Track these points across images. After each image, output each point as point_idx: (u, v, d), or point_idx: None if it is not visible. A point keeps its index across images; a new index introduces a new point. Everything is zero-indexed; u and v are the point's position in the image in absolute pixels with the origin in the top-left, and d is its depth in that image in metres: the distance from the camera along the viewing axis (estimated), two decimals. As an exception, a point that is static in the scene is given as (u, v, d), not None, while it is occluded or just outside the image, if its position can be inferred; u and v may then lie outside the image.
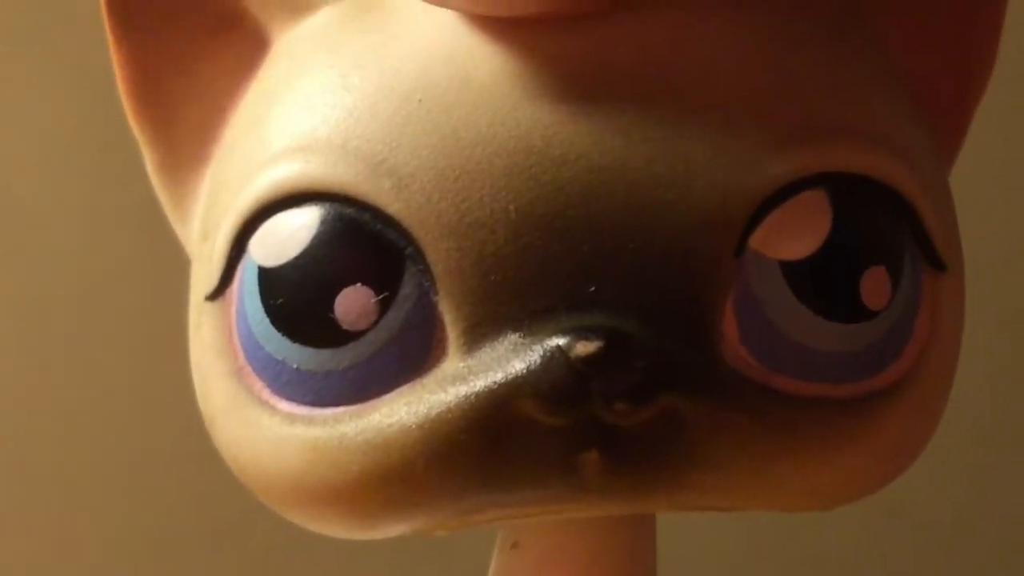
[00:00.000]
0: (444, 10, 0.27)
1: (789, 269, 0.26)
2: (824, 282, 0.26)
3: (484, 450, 0.25)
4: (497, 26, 0.27)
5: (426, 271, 0.26)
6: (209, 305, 0.28)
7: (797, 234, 0.26)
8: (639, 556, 0.31)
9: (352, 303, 0.26)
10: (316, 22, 0.29)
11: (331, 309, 0.26)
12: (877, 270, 0.27)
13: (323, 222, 0.26)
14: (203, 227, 0.29)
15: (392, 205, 0.26)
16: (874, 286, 0.27)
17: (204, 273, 0.28)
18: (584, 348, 0.25)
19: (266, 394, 0.27)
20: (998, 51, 0.30)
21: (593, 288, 0.26)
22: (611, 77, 0.26)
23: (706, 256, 0.26)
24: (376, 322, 0.26)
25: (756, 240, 0.26)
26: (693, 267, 0.26)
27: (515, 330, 0.26)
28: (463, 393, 0.25)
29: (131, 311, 0.53)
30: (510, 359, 0.25)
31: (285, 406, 0.27)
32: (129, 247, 0.53)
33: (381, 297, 0.26)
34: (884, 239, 0.27)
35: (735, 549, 0.54)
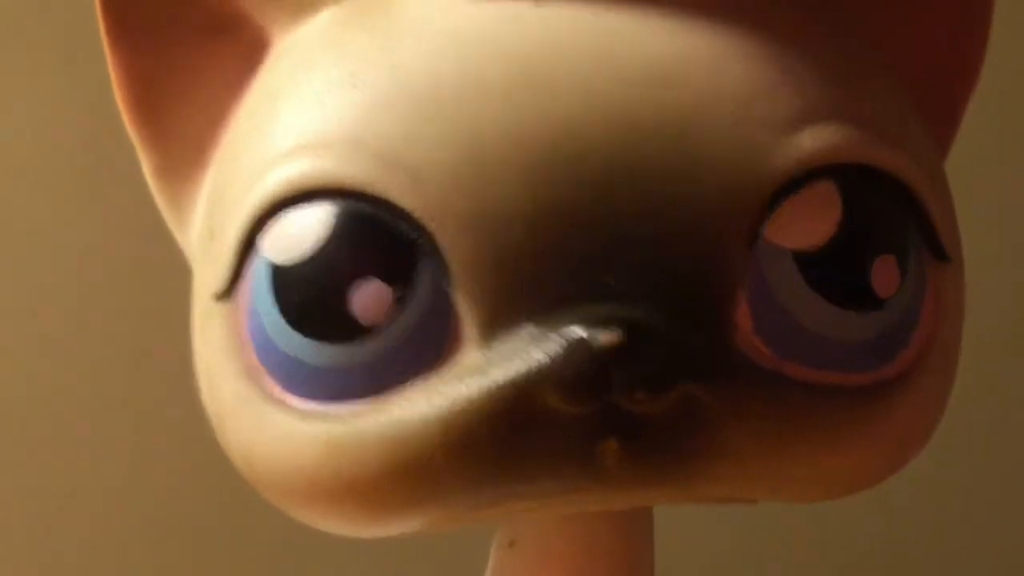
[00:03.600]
0: (449, 9, 0.27)
1: (802, 258, 0.27)
2: (836, 271, 0.27)
3: (504, 441, 0.26)
4: (506, 22, 0.27)
5: (441, 264, 0.26)
6: (218, 305, 0.28)
7: (809, 224, 0.27)
8: (637, 552, 0.31)
9: (369, 298, 0.26)
10: (318, 22, 0.29)
11: (346, 304, 0.26)
12: (887, 259, 0.27)
13: (337, 218, 0.26)
14: (208, 226, 0.29)
15: (407, 200, 0.26)
16: (884, 275, 0.27)
17: (211, 272, 0.28)
18: (607, 338, 0.25)
19: (278, 391, 0.27)
20: (987, 49, 0.31)
21: (609, 280, 0.26)
22: (623, 72, 0.27)
23: (720, 247, 0.26)
24: (392, 316, 0.26)
25: (769, 231, 0.26)
26: (707, 258, 0.26)
27: (532, 321, 0.26)
28: (483, 384, 0.26)
29: (130, 313, 0.52)
30: (530, 349, 0.25)
31: (299, 403, 0.27)
32: (127, 249, 0.52)
33: (398, 291, 0.26)
34: (892, 228, 0.28)
35: (730, 545, 0.55)
